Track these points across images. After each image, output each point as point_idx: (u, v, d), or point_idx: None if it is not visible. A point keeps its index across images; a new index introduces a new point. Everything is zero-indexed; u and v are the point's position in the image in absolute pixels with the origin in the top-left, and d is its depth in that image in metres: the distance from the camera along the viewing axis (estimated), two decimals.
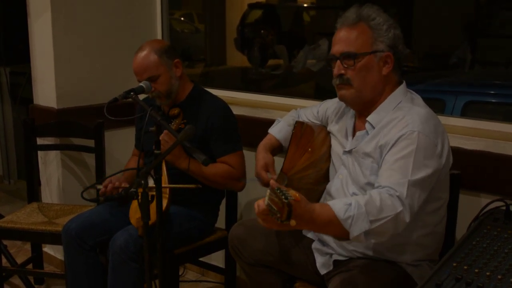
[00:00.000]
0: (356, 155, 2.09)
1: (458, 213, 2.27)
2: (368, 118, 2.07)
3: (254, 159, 2.38)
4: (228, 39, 4.67)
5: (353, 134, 2.17)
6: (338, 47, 2.06)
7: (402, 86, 2.09)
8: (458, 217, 2.27)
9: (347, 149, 2.15)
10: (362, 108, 2.13)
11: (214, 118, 2.67)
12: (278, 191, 1.67)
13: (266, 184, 2.27)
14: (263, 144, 2.41)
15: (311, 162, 2.24)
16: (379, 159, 1.99)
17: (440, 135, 1.97)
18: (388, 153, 1.94)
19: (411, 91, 2.13)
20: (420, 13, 3.30)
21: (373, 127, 2.05)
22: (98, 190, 2.58)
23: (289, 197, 1.64)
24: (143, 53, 2.65)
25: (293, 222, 1.65)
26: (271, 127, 2.48)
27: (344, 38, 2.05)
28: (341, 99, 2.13)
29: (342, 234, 1.83)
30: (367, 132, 2.07)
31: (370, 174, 2.02)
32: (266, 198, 1.73)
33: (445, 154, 1.98)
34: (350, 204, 1.79)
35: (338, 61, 2.06)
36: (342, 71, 2.05)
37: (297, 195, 1.66)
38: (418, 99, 2.10)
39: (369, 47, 2.02)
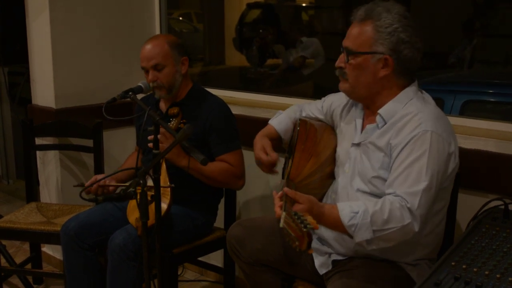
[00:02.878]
0: (365, 148, 2.08)
1: (456, 212, 2.27)
2: (380, 111, 2.05)
3: (253, 158, 2.37)
4: (227, 38, 4.67)
5: (362, 127, 2.16)
6: (345, 41, 2.08)
7: (414, 85, 2.08)
8: (456, 216, 2.28)
9: (355, 142, 2.14)
10: (361, 102, 2.14)
11: (213, 118, 2.67)
12: (296, 216, 1.65)
13: (267, 166, 2.26)
14: (261, 132, 2.40)
15: (317, 167, 2.21)
16: (390, 155, 1.98)
17: (451, 134, 1.97)
18: (400, 154, 1.92)
19: (422, 90, 2.11)
20: (418, 11, 3.30)
21: (385, 121, 2.03)
22: (93, 199, 2.56)
23: (308, 226, 1.61)
24: (155, 41, 2.68)
25: (311, 251, 1.68)
26: (272, 118, 2.47)
27: (350, 33, 2.06)
28: (340, 89, 2.16)
29: (348, 235, 1.90)
30: (377, 126, 2.06)
31: (379, 168, 2.01)
32: (282, 221, 1.70)
33: (456, 154, 1.98)
34: (357, 213, 1.84)
35: (342, 54, 2.08)
36: (342, 64, 2.08)
37: (315, 221, 1.66)
38: (428, 98, 2.09)
39: (367, 47, 2.01)
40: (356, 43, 2.03)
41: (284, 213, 1.70)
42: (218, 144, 2.67)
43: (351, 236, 1.88)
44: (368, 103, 2.11)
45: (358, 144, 2.12)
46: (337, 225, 1.87)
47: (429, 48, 3.25)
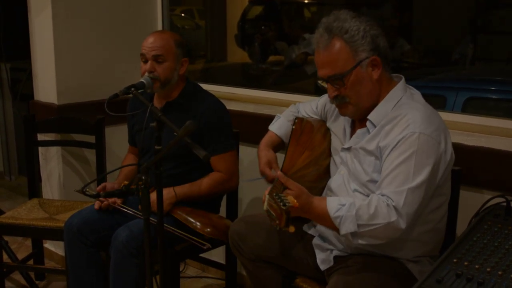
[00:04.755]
0: (356, 153, 2.09)
1: (458, 209, 2.27)
2: (369, 117, 2.06)
3: (256, 156, 2.37)
4: (229, 35, 4.65)
5: (353, 131, 2.16)
6: (323, 72, 2.05)
7: (402, 82, 2.09)
8: (458, 213, 2.27)
9: (345, 147, 2.15)
10: (365, 116, 2.10)
11: (207, 116, 2.64)
12: (277, 197, 1.68)
13: (271, 181, 2.27)
14: (264, 141, 2.40)
15: (312, 160, 2.23)
16: (381, 157, 1.99)
17: (442, 132, 1.97)
18: (389, 156, 1.94)
19: (410, 87, 2.12)
20: (420, 9, 3.30)
21: (374, 126, 2.04)
22: (95, 195, 2.56)
23: (287, 204, 1.65)
24: (162, 34, 2.67)
25: (291, 229, 1.69)
26: (271, 123, 2.47)
27: (325, 62, 2.03)
28: (343, 116, 2.16)
29: (335, 228, 1.92)
30: (368, 130, 2.07)
31: (372, 171, 2.02)
32: (265, 204, 1.74)
33: (449, 151, 1.98)
34: (343, 205, 1.88)
35: (329, 84, 2.06)
36: (336, 92, 2.05)
37: (295, 201, 1.69)
38: (417, 95, 2.10)
39: (352, 61, 2.00)
40: (339, 66, 2.01)
41: (267, 196, 1.74)
42: (210, 145, 2.64)
43: (338, 230, 1.90)
44: (368, 114, 2.08)
45: (348, 149, 2.13)
46: (324, 217, 1.90)
47: (432, 45, 3.27)
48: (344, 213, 1.86)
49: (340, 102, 2.07)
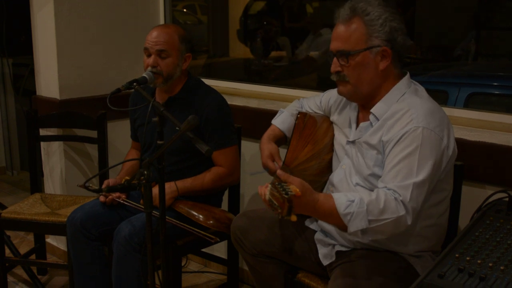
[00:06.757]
0: (359, 146, 2.09)
1: (460, 204, 2.27)
2: (372, 110, 2.06)
3: (256, 148, 2.37)
4: (231, 30, 4.66)
5: (357, 125, 2.17)
6: (334, 44, 2.06)
7: (406, 77, 2.09)
8: (460, 208, 2.28)
9: (350, 140, 2.15)
10: (362, 102, 2.13)
11: (208, 111, 2.64)
12: (279, 186, 1.68)
13: (274, 174, 2.27)
14: (267, 135, 2.40)
15: (314, 154, 2.24)
16: (383, 152, 1.99)
17: (446, 127, 1.97)
18: (392, 150, 1.93)
19: (415, 82, 2.12)
20: (422, 4, 3.29)
21: (377, 119, 2.04)
22: (97, 190, 2.55)
23: (289, 193, 1.65)
24: (166, 29, 2.65)
25: (294, 218, 1.67)
26: (274, 118, 2.47)
27: (339, 35, 2.05)
28: (340, 94, 2.16)
29: (342, 226, 1.89)
30: (371, 124, 2.07)
31: (373, 165, 2.02)
32: (268, 193, 1.74)
33: (451, 147, 1.98)
34: (353, 201, 1.84)
35: (335, 58, 2.07)
36: (339, 68, 2.06)
37: (298, 190, 1.68)
38: (422, 90, 2.10)
39: (363, 43, 2.01)
40: (350, 43, 2.02)
41: (270, 186, 1.73)
42: (211, 139, 2.65)
43: (344, 227, 1.87)
44: (367, 102, 2.10)
45: (353, 142, 2.14)
46: (331, 214, 1.86)
47: (434, 41, 3.26)
48: (355, 209, 1.83)
49: (339, 79, 2.08)
